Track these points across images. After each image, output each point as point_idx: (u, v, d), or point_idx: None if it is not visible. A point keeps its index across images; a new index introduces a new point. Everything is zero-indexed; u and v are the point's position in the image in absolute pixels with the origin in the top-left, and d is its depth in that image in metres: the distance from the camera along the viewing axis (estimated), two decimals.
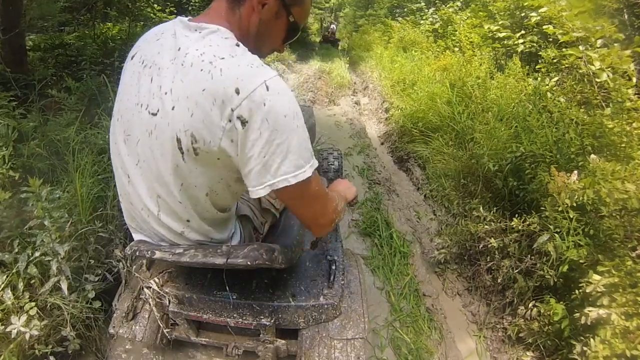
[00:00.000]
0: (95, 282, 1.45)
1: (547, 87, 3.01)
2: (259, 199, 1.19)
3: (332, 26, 20.15)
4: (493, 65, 4.20)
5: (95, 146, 1.87)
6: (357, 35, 13.20)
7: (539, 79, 3.27)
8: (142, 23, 4.21)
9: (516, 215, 1.99)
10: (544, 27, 4.29)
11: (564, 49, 3.88)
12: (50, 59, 3.58)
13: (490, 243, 2.00)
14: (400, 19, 8.87)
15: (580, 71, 2.88)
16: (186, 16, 0.88)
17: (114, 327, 1.26)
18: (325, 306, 1.14)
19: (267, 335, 1.19)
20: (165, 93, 0.74)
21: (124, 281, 1.44)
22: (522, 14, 4.99)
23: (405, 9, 9.88)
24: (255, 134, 0.69)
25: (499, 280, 1.96)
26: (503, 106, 3.12)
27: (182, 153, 0.75)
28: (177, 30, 0.79)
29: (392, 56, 7.09)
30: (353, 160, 3.71)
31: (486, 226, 2.06)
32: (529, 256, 1.87)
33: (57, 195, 1.40)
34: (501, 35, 4.71)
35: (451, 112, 3.83)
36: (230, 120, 0.69)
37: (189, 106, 0.71)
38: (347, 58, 10.39)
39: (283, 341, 1.22)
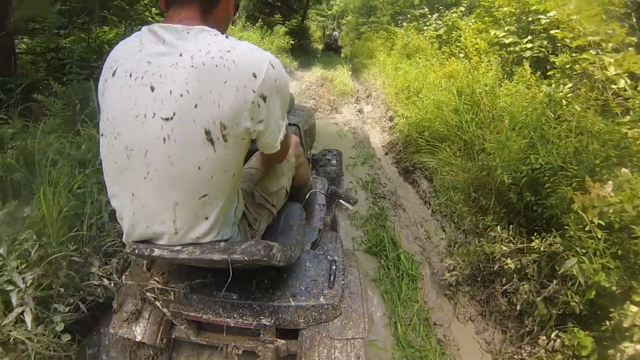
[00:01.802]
0: (65, 313, 1.28)
1: (561, 94, 2.85)
2: (253, 194, 1.20)
3: (335, 33, 20.11)
4: (500, 72, 4.04)
5: (73, 157, 1.70)
6: (360, 43, 13.11)
7: (552, 85, 3.11)
8: (139, 27, 4.09)
9: (534, 234, 1.83)
10: (552, 31, 4.15)
11: (574, 54, 3.73)
12: (42, 63, 3.45)
13: (507, 264, 1.83)
14: (405, 24, 8.76)
15: (596, 77, 2.73)
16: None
17: (114, 327, 1.25)
18: (326, 306, 1.14)
19: (267, 335, 1.19)
20: (181, 95, 0.78)
21: (117, 298, 1.30)
22: (530, 19, 4.86)
23: (409, 15, 9.79)
24: (272, 103, 0.87)
25: (517, 307, 1.78)
26: (515, 114, 2.96)
27: (213, 143, 0.82)
28: (165, 36, 0.82)
29: (396, 63, 6.96)
30: (357, 172, 3.52)
31: (503, 247, 1.88)
32: (551, 280, 1.70)
33: (25, 214, 1.23)
34: (507, 41, 4.58)
35: (459, 120, 3.67)
36: (253, 102, 0.82)
37: (214, 99, 0.79)
38: (350, 65, 10.27)
39: (283, 341, 1.21)
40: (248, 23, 8.40)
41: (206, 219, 0.91)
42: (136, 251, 0.94)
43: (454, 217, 2.84)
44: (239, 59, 0.80)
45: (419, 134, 3.98)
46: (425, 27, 7.86)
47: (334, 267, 1.23)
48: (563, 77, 3.26)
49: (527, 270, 1.81)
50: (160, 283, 1.14)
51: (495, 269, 1.93)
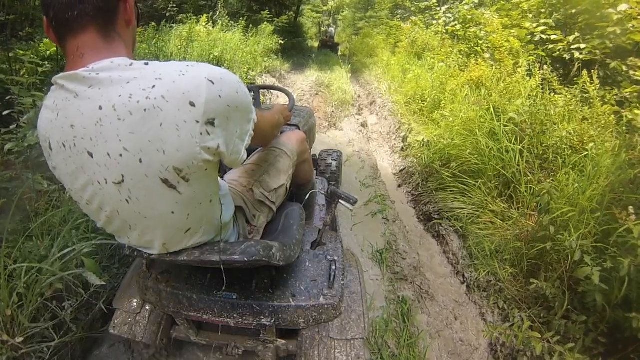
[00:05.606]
0: None
1: None
2: (252, 191, 1.18)
3: (331, 29, 19.00)
4: (556, 80, 3.08)
5: None
6: (358, 39, 12.16)
7: None
8: None
9: None
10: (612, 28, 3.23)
11: None
12: None
13: None
14: (413, 18, 7.80)
15: None
16: None
17: (114, 327, 1.25)
18: (326, 306, 1.10)
19: (267, 335, 1.19)
20: (121, 155, 0.69)
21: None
22: (573, 11, 3.91)
23: (412, 8, 8.87)
24: (225, 121, 0.73)
25: None
26: (599, 161, 2.03)
27: (175, 187, 0.74)
28: (75, 89, 0.69)
29: (403, 64, 6.01)
30: (365, 228, 2.55)
31: None
32: None
33: None
34: (551, 38, 3.63)
35: (497, 149, 2.75)
36: (201, 133, 0.69)
37: (157, 148, 0.68)
38: (349, 66, 9.28)
39: (283, 341, 1.21)
40: (231, 23, 7.42)
41: (194, 237, 0.90)
42: (135, 252, 0.93)
43: (499, 300, 1.97)
44: (168, 91, 0.66)
45: (443, 165, 3.07)
46: (434, 22, 6.90)
47: (334, 267, 1.18)
48: None
49: None
50: (159, 285, 1.13)
51: None
